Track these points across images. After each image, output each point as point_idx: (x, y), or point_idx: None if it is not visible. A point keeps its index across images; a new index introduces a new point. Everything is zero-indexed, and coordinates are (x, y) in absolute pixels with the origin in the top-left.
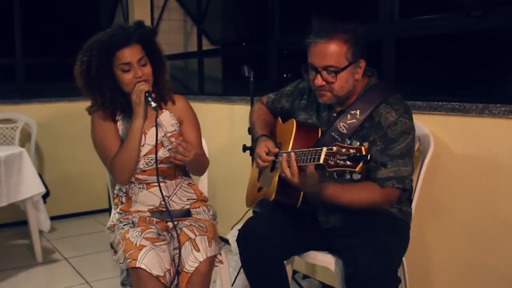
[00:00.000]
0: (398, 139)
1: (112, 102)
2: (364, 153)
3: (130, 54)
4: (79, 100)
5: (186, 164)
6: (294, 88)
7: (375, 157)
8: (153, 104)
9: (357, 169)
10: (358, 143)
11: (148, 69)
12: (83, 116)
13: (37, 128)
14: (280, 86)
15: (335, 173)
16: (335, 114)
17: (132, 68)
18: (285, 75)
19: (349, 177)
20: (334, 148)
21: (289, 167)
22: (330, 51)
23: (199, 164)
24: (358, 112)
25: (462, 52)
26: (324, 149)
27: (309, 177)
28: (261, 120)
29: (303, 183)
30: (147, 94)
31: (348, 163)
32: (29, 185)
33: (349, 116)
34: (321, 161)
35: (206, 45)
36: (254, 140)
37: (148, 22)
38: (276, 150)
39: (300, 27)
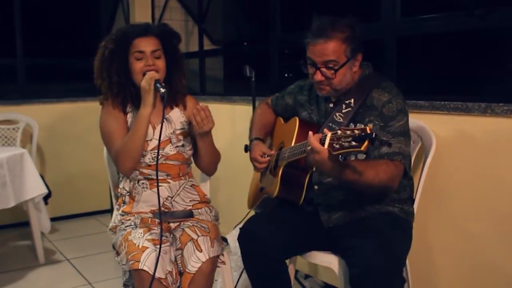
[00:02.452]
0: (395, 117)
1: (121, 90)
2: (369, 131)
3: (146, 43)
4: (80, 101)
5: (200, 151)
6: (296, 86)
7: (380, 136)
8: (162, 90)
9: (362, 148)
10: (363, 125)
11: (160, 63)
12: (84, 116)
13: (39, 129)
14: (282, 86)
15: (341, 156)
16: (331, 105)
17: (145, 57)
18: (286, 75)
19: (353, 158)
20: (339, 132)
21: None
22: (330, 50)
23: (213, 154)
24: (352, 100)
25: (464, 51)
26: (329, 134)
27: (331, 158)
28: (259, 121)
29: (324, 162)
30: (156, 81)
31: (353, 143)
32: (32, 186)
33: (344, 106)
34: (326, 146)
35: (208, 45)
36: (250, 143)
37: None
38: (272, 152)
39: (301, 26)
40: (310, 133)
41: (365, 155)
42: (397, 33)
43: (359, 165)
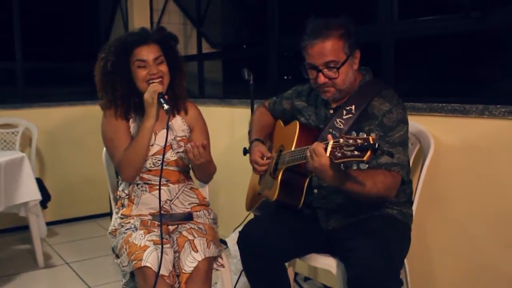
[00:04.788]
0: (396, 127)
1: (125, 100)
2: (372, 142)
3: (147, 52)
4: (79, 105)
5: (194, 169)
6: (293, 91)
7: (383, 147)
8: (166, 107)
9: (364, 158)
10: (365, 134)
11: (164, 68)
12: (84, 120)
13: (38, 133)
14: (280, 88)
15: (342, 165)
16: (331, 111)
17: (148, 66)
18: (285, 77)
19: (355, 167)
20: (341, 140)
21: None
22: (328, 48)
23: (206, 170)
24: (353, 107)
25: (462, 53)
26: (331, 142)
27: (332, 166)
28: (258, 122)
29: (324, 169)
30: (160, 96)
31: (356, 153)
32: (25, 191)
33: (344, 112)
34: (328, 154)
35: (206, 48)
36: (249, 144)
37: (147, 26)
38: (270, 155)
39: (299, 28)
40: (317, 142)
41: (367, 165)
42: (395, 36)
43: (358, 175)
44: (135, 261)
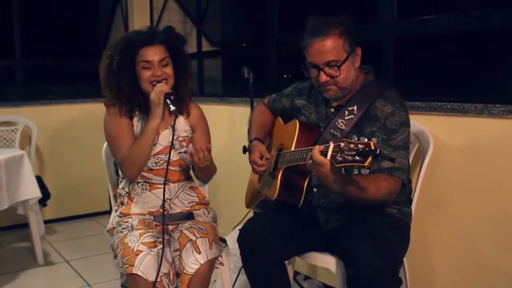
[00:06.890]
0: (398, 130)
1: (130, 99)
2: (373, 147)
3: (153, 53)
4: (79, 103)
5: (195, 170)
6: (294, 88)
7: (384, 152)
8: (172, 108)
9: (365, 164)
10: (366, 139)
11: (168, 70)
12: (83, 118)
13: (37, 131)
14: (280, 87)
15: (343, 169)
16: (332, 110)
17: (152, 67)
18: (285, 76)
19: (357, 172)
20: (342, 144)
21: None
22: (328, 47)
23: (208, 171)
24: (355, 108)
25: (462, 52)
26: (331, 145)
27: (333, 171)
28: (257, 121)
29: (325, 175)
30: (166, 96)
31: (357, 158)
32: (26, 188)
33: (346, 112)
34: (328, 157)
35: (206, 46)
36: (249, 143)
37: (147, 24)
38: (269, 156)
39: (299, 27)
40: (316, 147)
41: (368, 170)
42: (395, 34)
43: (361, 180)
44: (126, 266)
